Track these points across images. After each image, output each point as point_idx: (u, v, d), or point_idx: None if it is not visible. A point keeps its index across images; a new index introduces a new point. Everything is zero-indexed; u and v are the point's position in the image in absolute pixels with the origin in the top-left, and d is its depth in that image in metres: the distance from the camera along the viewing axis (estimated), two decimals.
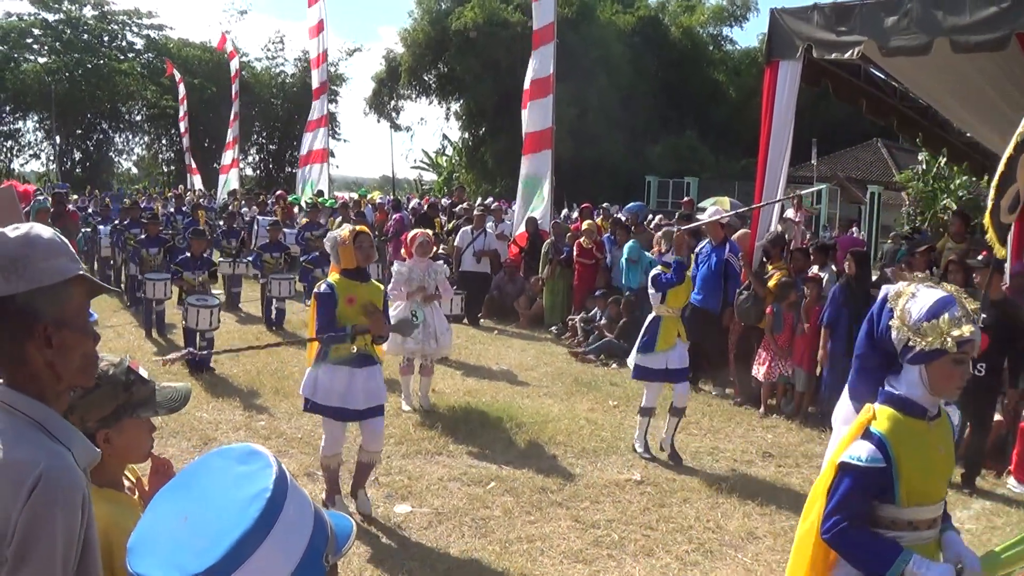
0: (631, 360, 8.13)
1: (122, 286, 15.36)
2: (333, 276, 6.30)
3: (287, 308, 13.80)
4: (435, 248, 10.22)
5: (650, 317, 8.03)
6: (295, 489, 1.58)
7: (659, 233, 8.50)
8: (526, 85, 17.07)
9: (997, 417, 7.89)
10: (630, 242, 13.12)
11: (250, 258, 14.70)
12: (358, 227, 6.52)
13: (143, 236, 13.60)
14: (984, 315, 7.33)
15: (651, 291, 7.93)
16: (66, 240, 1.95)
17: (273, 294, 13.32)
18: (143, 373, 2.47)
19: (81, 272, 1.92)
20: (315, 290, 6.28)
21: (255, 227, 17.41)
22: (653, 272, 7.97)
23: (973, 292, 7.61)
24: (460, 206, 19.19)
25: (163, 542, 1.52)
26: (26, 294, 1.82)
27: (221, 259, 14.54)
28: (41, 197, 9.10)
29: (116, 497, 2.37)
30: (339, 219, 17.87)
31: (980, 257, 7.77)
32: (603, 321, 12.69)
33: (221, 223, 18.88)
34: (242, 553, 1.44)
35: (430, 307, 9.23)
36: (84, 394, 2.29)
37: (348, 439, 6.55)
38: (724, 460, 7.94)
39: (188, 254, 11.36)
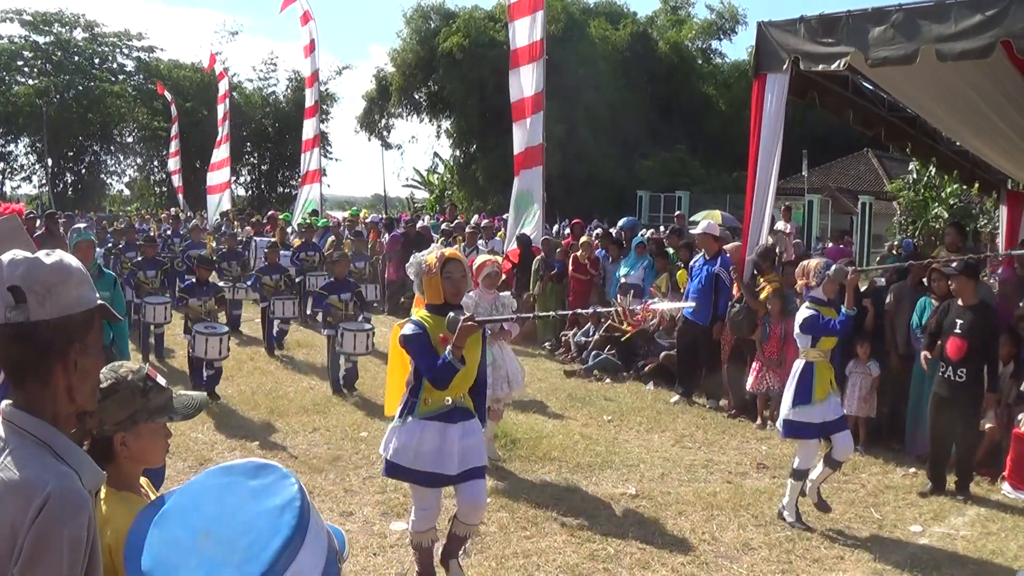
0: (781, 418, 6.96)
1: None
2: (420, 313, 5.11)
3: (289, 328, 13.91)
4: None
5: (799, 364, 6.82)
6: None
7: (828, 267, 6.82)
8: (514, 100, 16.97)
9: (990, 424, 7.92)
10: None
11: (249, 282, 14.55)
12: (447, 252, 5.19)
13: (139, 259, 13.46)
14: (960, 321, 7.40)
15: (797, 332, 6.84)
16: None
17: (276, 315, 13.33)
18: (161, 381, 2.57)
19: (101, 301, 1.98)
20: (402, 332, 5.06)
21: (252, 248, 17.31)
22: (806, 312, 6.69)
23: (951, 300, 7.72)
24: (449, 223, 19.25)
25: (189, 560, 1.54)
26: (60, 319, 1.87)
27: (222, 283, 14.49)
28: (83, 225, 8.99)
29: (134, 500, 2.44)
30: (331, 238, 17.90)
31: (954, 264, 7.79)
32: (597, 337, 12.70)
33: (215, 244, 18.76)
34: (286, 560, 1.49)
35: (498, 346, 7.93)
36: (103, 398, 2.35)
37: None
38: (718, 472, 7.96)
39: (193, 280, 10.80)
